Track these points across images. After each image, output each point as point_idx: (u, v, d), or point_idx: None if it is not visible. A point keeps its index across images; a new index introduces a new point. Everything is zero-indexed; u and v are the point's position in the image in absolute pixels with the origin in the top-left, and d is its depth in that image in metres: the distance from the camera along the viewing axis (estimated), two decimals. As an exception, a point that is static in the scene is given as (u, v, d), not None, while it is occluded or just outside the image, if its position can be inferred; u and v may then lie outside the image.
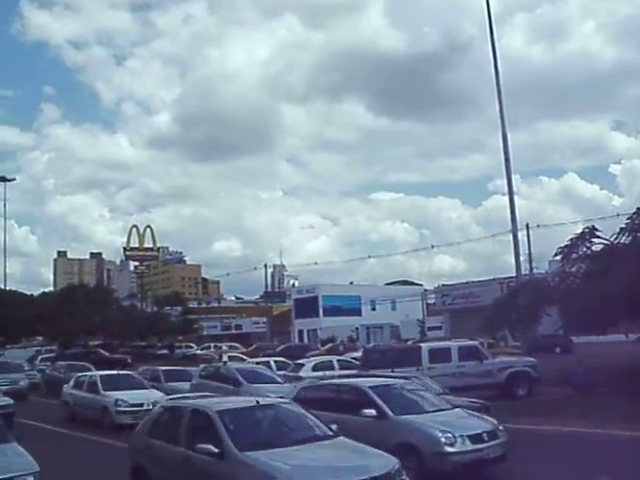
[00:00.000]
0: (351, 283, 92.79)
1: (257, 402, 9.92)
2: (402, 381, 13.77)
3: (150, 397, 18.77)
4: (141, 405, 17.99)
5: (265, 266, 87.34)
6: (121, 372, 23.36)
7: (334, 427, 9.47)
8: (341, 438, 9.25)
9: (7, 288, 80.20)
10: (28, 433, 12.95)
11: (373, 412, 11.55)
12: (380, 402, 11.74)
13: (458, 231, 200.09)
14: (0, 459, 9.69)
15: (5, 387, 24.50)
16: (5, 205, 75.15)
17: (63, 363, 33.60)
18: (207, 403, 10.17)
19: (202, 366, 26.58)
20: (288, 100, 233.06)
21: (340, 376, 19.70)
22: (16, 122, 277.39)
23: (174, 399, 12.27)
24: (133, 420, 16.12)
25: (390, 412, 11.55)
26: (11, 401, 18.27)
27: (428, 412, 11.92)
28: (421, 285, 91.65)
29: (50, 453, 12.57)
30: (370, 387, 12.38)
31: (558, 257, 27.68)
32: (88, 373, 23.21)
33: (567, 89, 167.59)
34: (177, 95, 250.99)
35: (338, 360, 27.84)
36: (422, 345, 24.00)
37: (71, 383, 22.38)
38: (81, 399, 20.89)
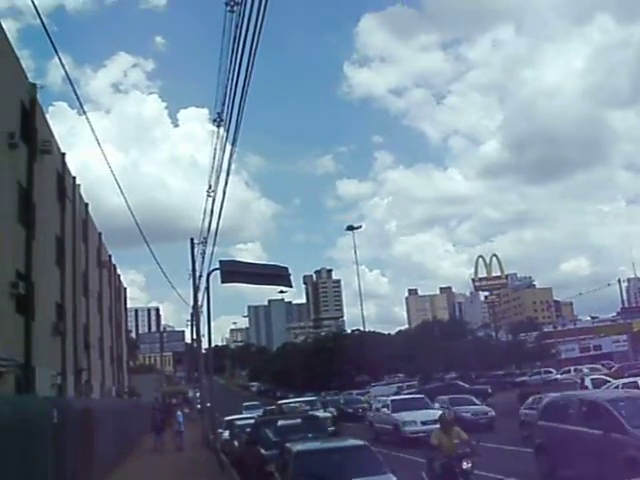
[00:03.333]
0: None
1: None
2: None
3: None
4: None
5: (619, 281, 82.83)
6: None
7: None
8: None
9: (366, 329, 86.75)
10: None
11: None
12: None
13: None
14: None
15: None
16: (355, 252, 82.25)
17: (445, 397, 31.89)
18: None
19: None
20: (615, 105, 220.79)
21: None
22: (354, 174, 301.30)
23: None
24: None
25: None
26: None
27: None
28: None
29: None
30: None
31: None
32: None
33: None
34: (501, 121, 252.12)
35: None
36: None
37: None
38: None
